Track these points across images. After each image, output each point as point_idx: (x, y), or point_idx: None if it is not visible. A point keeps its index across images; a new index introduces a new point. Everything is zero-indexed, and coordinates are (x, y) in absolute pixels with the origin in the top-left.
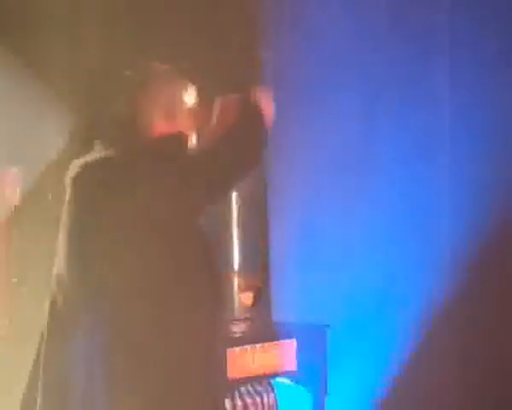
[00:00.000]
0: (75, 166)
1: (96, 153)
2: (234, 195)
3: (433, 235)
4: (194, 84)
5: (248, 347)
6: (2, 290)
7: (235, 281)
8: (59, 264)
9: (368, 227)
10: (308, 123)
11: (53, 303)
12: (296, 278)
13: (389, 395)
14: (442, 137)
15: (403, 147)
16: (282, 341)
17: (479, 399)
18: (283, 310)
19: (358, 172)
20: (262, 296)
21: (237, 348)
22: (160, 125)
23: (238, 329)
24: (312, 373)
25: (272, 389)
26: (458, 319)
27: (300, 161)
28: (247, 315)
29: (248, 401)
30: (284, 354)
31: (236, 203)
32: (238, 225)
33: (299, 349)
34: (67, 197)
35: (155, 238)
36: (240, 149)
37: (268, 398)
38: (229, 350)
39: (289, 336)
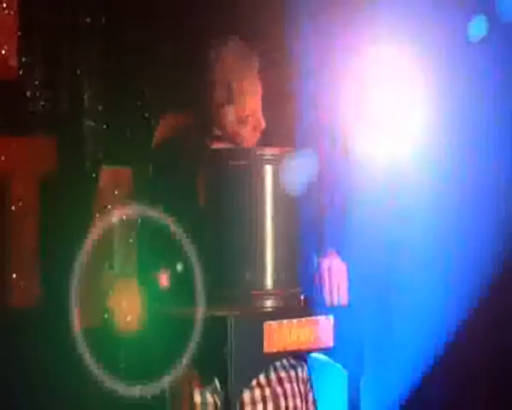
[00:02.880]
0: None
1: None
2: None
3: None
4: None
5: (285, 321)
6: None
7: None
8: None
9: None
10: None
11: None
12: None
13: (426, 377)
14: None
15: None
16: (320, 317)
17: None
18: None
19: None
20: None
21: (274, 322)
22: None
23: (273, 303)
24: (349, 351)
25: (306, 363)
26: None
27: None
28: (282, 289)
29: (282, 374)
30: (321, 331)
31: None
32: None
33: (337, 326)
34: None
35: None
36: None
37: (302, 372)
38: (265, 324)
39: (327, 313)
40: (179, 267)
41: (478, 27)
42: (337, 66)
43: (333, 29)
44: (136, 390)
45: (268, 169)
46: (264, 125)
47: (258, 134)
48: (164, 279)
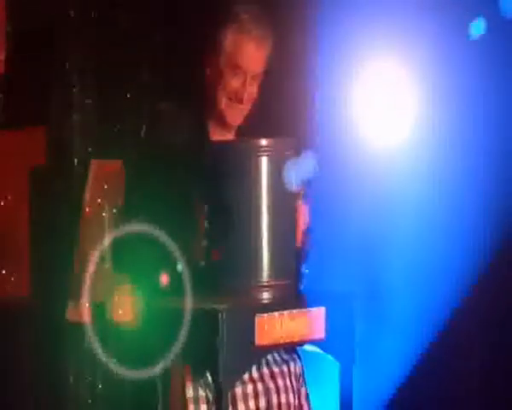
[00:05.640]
0: None
1: None
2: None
3: None
4: None
5: (276, 313)
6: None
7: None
8: None
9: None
10: None
11: None
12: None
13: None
14: None
15: None
16: (311, 308)
17: None
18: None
19: None
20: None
21: (265, 315)
22: None
23: (265, 295)
24: (340, 342)
25: (299, 358)
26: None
27: None
28: (274, 281)
29: (275, 369)
30: (313, 322)
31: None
32: None
33: (328, 317)
34: None
35: None
36: None
37: (295, 367)
38: (257, 316)
39: (318, 304)
40: (179, 267)
41: (478, 26)
42: (338, 63)
43: (333, 28)
44: (128, 384)
45: (264, 161)
46: (255, 95)
47: (247, 108)
48: (163, 277)
